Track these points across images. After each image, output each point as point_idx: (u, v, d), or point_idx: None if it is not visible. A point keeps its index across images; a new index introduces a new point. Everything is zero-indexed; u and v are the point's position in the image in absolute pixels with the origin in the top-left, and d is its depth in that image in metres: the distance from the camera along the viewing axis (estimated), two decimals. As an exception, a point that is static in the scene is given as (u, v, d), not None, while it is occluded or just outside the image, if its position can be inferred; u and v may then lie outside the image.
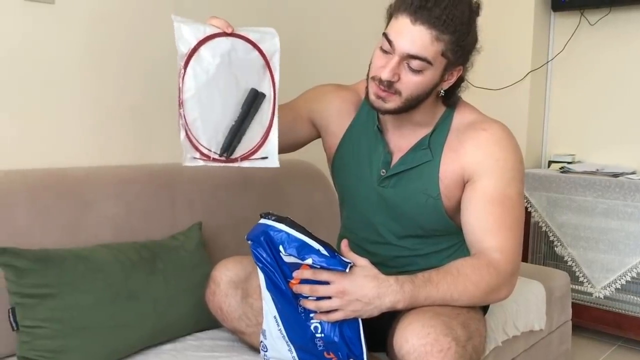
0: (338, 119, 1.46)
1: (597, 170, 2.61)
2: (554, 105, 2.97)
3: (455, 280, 1.20)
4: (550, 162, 2.88)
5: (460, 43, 1.21)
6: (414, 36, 1.18)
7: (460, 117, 1.37)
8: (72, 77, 1.67)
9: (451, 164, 1.33)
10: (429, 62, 1.20)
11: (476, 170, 1.30)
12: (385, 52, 1.24)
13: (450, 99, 1.36)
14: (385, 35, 1.23)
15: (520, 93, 2.88)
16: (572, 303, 2.19)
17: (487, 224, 1.28)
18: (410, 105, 1.27)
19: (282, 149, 1.45)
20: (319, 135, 1.55)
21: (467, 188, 1.32)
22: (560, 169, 2.73)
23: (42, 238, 1.46)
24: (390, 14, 1.24)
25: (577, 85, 2.86)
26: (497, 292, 1.26)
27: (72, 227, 1.52)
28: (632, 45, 2.68)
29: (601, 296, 2.52)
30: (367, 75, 1.30)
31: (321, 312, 1.18)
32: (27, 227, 1.45)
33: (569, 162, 2.78)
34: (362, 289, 1.14)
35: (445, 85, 1.31)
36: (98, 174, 1.64)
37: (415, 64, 1.20)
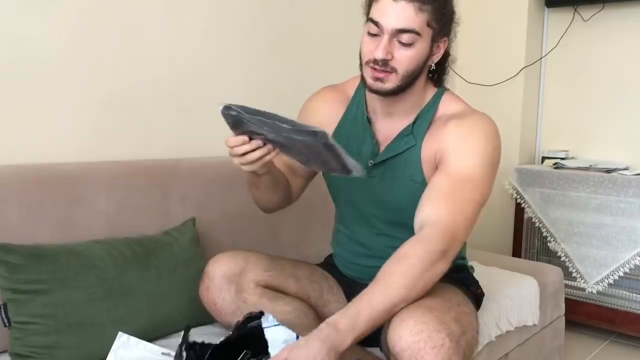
0: (328, 120, 1.48)
1: (591, 166, 2.62)
2: (547, 101, 2.97)
3: (387, 287, 1.15)
4: (543, 158, 2.89)
5: (442, 10, 1.27)
6: (398, 12, 1.23)
7: (445, 107, 1.40)
8: (65, 72, 1.66)
9: (430, 148, 1.35)
10: (417, 34, 1.25)
11: (446, 149, 1.32)
12: (373, 35, 1.27)
13: (440, 76, 1.40)
14: (370, 19, 1.27)
15: (514, 89, 2.88)
16: (565, 298, 2.20)
17: (432, 192, 1.27)
18: (407, 83, 1.30)
19: (302, 187, 1.54)
20: None
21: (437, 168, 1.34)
22: (553, 164, 2.73)
23: (35, 234, 1.45)
24: (370, 1, 1.29)
25: (571, 81, 2.87)
26: (433, 272, 1.19)
27: (64, 223, 1.52)
28: (625, 41, 2.68)
29: (594, 291, 2.53)
30: (360, 64, 1.33)
31: None
32: (20, 223, 1.44)
33: (562, 158, 2.79)
34: (310, 352, 1.06)
35: (435, 59, 1.34)
36: (91, 169, 1.63)
37: (405, 37, 1.24)
